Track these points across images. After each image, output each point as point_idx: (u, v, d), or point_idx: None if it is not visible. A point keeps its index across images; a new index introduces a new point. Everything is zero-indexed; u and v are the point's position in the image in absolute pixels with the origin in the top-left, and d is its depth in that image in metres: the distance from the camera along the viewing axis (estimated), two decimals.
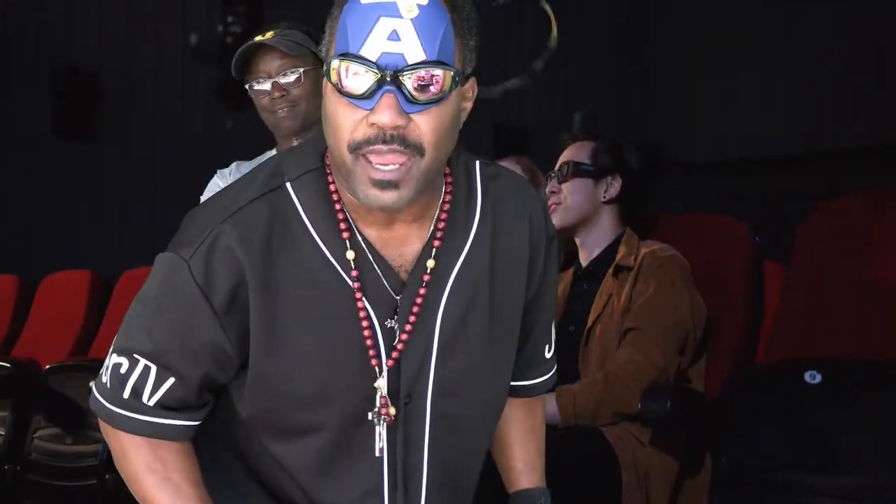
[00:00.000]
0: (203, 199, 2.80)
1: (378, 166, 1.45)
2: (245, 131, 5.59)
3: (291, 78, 2.67)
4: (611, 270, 3.02)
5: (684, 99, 5.98)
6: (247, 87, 2.73)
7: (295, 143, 2.68)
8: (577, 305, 3.08)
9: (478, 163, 1.68)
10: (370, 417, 1.57)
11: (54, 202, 6.39)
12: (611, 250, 3.08)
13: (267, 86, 2.68)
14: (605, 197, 3.12)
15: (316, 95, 2.68)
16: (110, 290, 5.40)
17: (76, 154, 6.45)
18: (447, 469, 1.66)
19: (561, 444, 2.46)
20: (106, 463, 4.44)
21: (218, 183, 2.86)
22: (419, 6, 1.44)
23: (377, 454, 1.58)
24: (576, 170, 3.10)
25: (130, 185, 5.98)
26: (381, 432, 1.58)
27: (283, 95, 2.66)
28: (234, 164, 2.92)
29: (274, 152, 2.82)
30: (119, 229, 6.13)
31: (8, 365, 4.85)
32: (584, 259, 3.15)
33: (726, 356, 3.15)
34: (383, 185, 1.46)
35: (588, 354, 2.98)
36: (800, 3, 5.51)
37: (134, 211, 6.14)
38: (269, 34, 2.70)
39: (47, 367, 4.73)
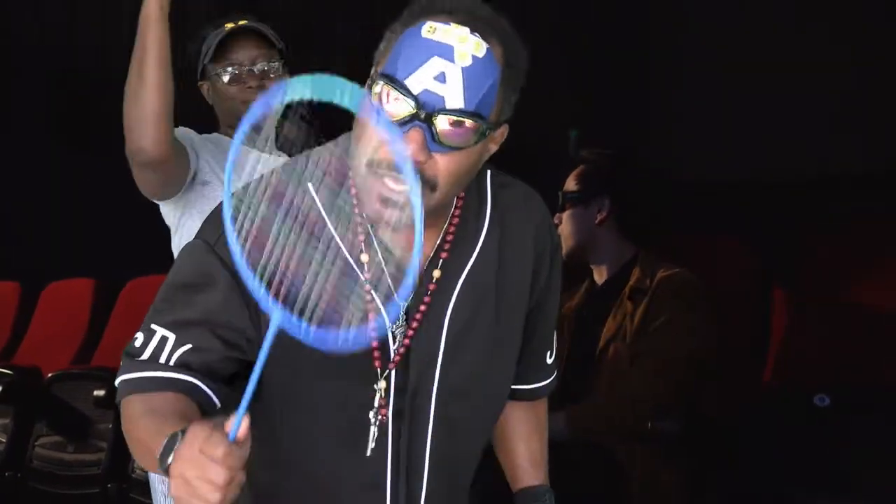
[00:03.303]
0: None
1: (390, 185, 1.50)
2: None
3: (268, 69, 2.60)
4: (626, 293, 3.06)
5: (681, 118, 5.98)
6: (218, 73, 2.61)
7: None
8: (590, 325, 3.12)
9: (489, 172, 1.73)
10: (369, 417, 1.62)
11: (58, 209, 6.36)
12: (625, 271, 3.13)
13: (240, 74, 2.58)
14: (597, 219, 3.17)
15: None
16: (114, 299, 5.41)
17: (80, 161, 6.43)
18: (447, 466, 1.72)
19: (570, 462, 2.50)
20: (108, 472, 4.45)
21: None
22: (474, 56, 1.49)
23: (368, 454, 1.63)
24: (565, 200, 3.17)
25: (135, 193, 5.86)
26: (374, 432, 1.63)
27: (259, 86, 2.58)
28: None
29: (223, 136, 2.69)
30: (124, 237, 6.11)
31: (10, 372, 4.81)
32: (599, 279, 3.20)
33: (734, 378, 3.19)
34: (389, 202, 1.50)
35: (600, 374, 3.02)
36: (808, 26, 5.52)
37: (138, 219, 6.10)
38: (242, 22, 2.62)
39: (50, 374, 4.73)
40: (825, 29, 5.56)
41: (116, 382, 1.61)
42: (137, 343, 1.59)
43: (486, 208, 1.70)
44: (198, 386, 1.56)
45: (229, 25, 2.62)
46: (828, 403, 2.73)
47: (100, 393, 4.38)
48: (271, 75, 2.59)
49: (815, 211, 4.60)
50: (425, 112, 1.48)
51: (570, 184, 3.22)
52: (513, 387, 1.83)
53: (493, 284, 1.68)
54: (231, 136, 2.57)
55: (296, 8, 5.88)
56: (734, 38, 5.95)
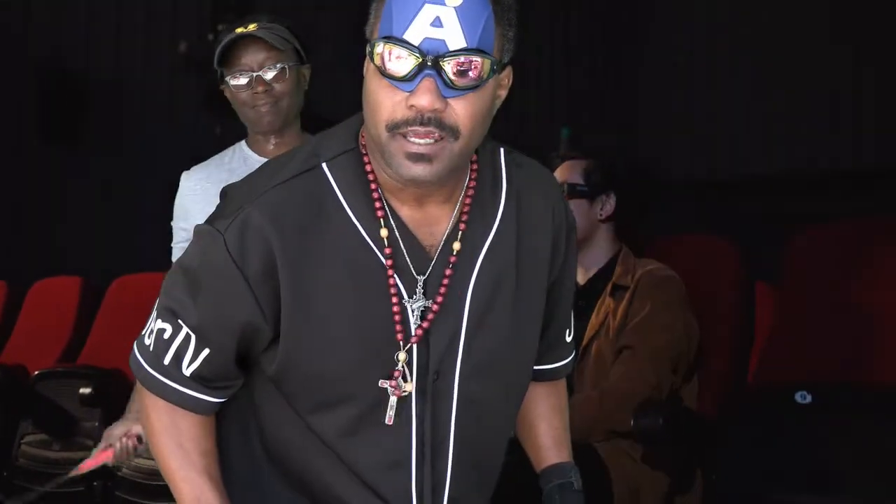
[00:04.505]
0: (177, 203, 2.72)
1: (413, 140, 1.52)
2: (233, 138, 5.59)
3: (276, 73, 2.59)
4: (608, 289, 3.03)
5: (671, 117, 5.97)
6: (228, 79, 2.62)
7: (273, 141, 2.65)
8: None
9: (502, 150, 1.73)
10: (386, 387, 1.62)
11: (45, 208, 6.37)
12: (608, 269, 3.09)
13: (249, 79, 2.59)
14: (601, 215, 3.13)
15: (297, 93, 2.64)
16: (100, 297, 5.36)
17: (66, 159, 6.44)
18: (473, 447, 1.70)
19: None
20: (94, 470, 4.41)
21: (185, 185, 2.73)
22: None
23: (388, 422, 1.62)
24: (571, 191, 3.11)
25: (121, 191, 5.93)
26: (393, 403, 1.62)
27: (267, 90, 2.58)
28: (195, 170, 2.77)
29: (245, 146, 2.72)
30: (109, 236, 6.10)
31: None
32: (581, 277, 3.16)
33: (717, 375, 3.16)
34: (416, 157, 1.52)
35: (583, 371, 2.99)
36: (808, 26, 5.50)
37: (124, 218, 6.11)
38: (251, 26, 2.61)
39: (36, 372, 4.73)
40: (825, 29, 5.53)
41: (136, 359, 1.67)
42: (166, 335, 1.64)
43: (501, 184, 1.70)
44: (214, 402, 1.68)
45: (239, 30, 2.62)
46: (809, 400, 2.69)
47: (86, 391, 4.38)
48: (281, 79, 2.60)
49: (811, 210, 4.58)
50: (431, 58, 1.49)
51: (574, 176, 3.16)
52: (534, 367, 1.82)
53: (514, 260, 1.68)
54: (256, 146, 2.68)
55: (287, 5, 5.88)
56: (733, 38, 5.93)
